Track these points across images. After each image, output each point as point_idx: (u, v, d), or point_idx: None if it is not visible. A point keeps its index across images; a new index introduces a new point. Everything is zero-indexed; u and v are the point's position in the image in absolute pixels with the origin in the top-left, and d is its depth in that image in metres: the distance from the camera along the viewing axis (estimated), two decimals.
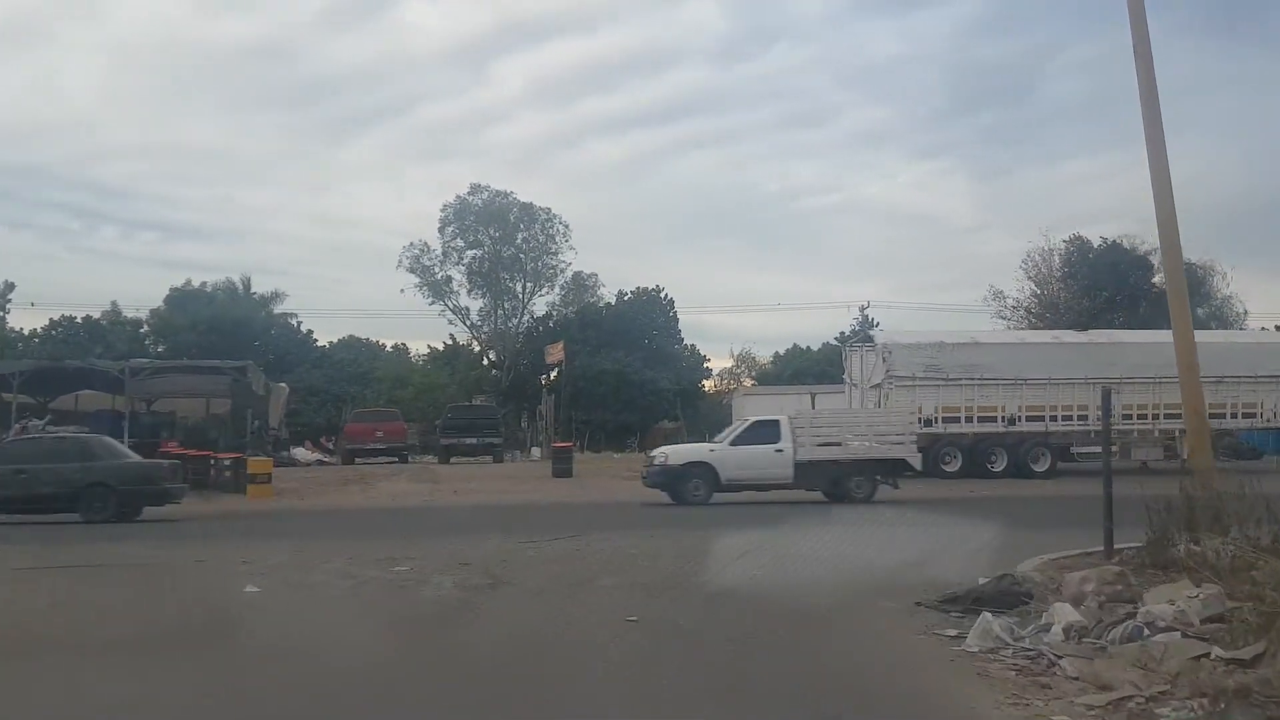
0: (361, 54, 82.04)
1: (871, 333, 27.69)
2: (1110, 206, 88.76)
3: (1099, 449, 21.11)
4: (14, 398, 28.73)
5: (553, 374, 48.33)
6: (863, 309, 58.36)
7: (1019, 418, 25.79)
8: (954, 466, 25.51)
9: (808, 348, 58.22)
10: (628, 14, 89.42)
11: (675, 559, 11.38)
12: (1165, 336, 14.01)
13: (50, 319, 52.64)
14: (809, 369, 52.23)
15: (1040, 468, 25.60)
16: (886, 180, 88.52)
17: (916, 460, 20.95)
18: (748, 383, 56.54)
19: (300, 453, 34.35)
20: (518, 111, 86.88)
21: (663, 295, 56.37)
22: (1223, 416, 24.63)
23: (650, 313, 55.37)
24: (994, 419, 25.83)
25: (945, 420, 25.72)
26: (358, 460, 32.06)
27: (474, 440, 31.84)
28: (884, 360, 26.18)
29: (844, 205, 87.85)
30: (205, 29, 78.34)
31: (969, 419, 25.82)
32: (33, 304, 52.11)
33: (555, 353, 39.82)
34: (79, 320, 52.09)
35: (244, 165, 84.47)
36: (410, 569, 10.92)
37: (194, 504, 20.57)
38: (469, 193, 54.91)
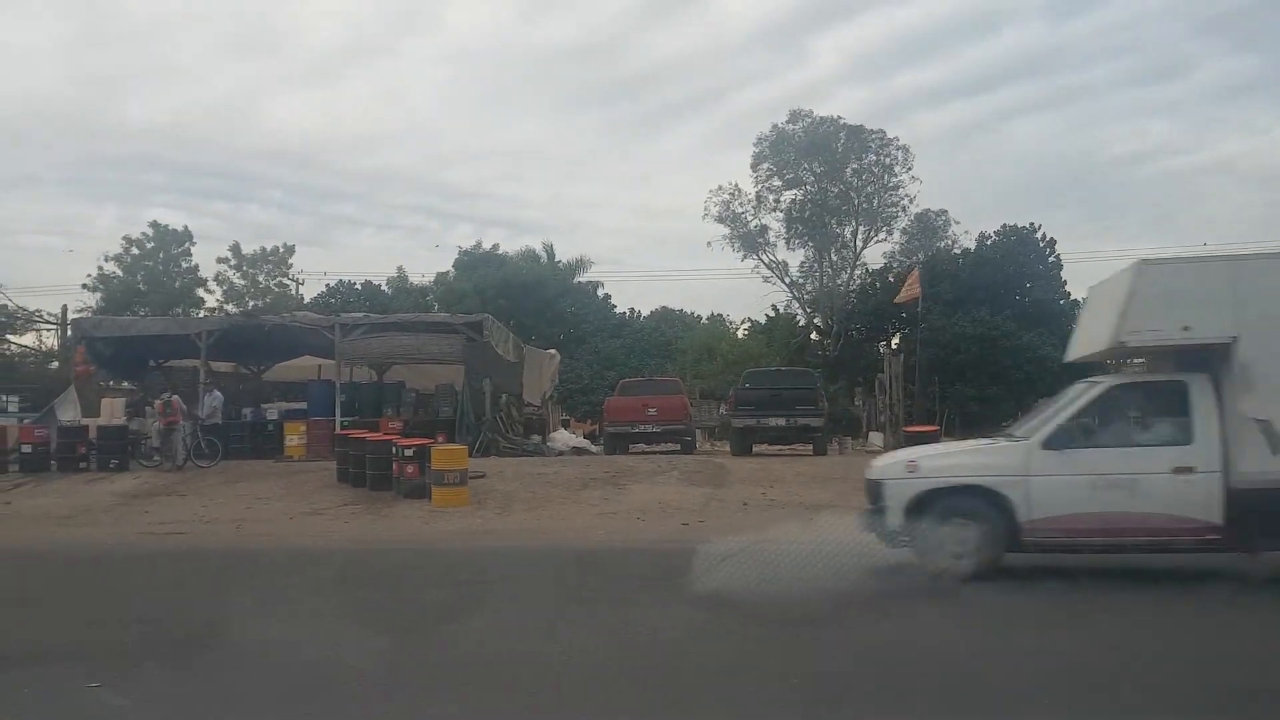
0: (676, 46, 79.80)
1: None
2: None
3: None
4: (202, 364, 22.77)
5: (893, 336, 37.15)
6: None
7: None
8: None
9: None
10: None
11: None
12: None
13: (325, 285, 49.27)
14: None
15: None
16: (1258, 136, 73.78)
17: None
18: None
19: (560, 437, 26.10)
20: (833, 89, 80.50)
21: (1040, 234, 43.11)
22: None
23: (1023, 258, 42.32)
24: None
25: None
26: (631, 448, 23.28)
27: (782, 421, 21.09)
28: None
29: (1207, 166, 73.94)
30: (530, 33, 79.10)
31: None
32: (325, 272, 49.21)
33: (911, 286, 26.95)
34: (358, 286, 47.96)
35: (569, 162, 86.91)
36: None
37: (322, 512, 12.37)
38: (787, 121, 44.93)
